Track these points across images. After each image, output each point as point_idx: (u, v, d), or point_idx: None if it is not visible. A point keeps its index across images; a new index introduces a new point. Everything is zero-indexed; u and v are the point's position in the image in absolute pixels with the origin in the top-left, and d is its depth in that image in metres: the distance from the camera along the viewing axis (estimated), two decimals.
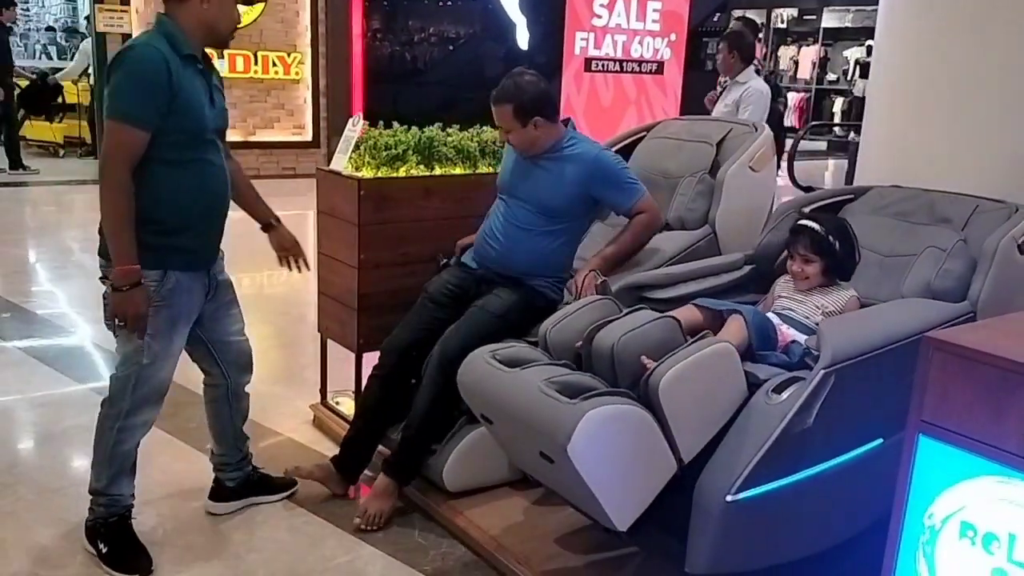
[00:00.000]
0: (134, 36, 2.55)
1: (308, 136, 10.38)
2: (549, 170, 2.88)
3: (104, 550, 2.52)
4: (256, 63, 9.77)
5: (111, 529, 2.54)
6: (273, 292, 5.79)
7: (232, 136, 9.41)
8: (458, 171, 3.42)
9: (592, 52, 11.98)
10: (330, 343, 3.54)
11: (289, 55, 10.00)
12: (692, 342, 2.14)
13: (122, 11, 8.90)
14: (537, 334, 2.48)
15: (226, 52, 9.47)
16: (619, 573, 2.52)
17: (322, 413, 3.56)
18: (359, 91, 10.60)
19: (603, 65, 12.04)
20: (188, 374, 4.07)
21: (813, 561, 2.26)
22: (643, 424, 2.00)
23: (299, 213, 8.77)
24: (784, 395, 2.09)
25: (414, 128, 3.44)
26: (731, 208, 3.07)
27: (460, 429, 2.85)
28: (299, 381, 4.06)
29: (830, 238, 2.51)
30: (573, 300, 2.68)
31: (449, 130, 3.50)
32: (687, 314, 2.42)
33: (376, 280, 3.21)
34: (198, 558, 2.61)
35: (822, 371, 2.06)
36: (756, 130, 3.27)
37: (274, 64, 9.94)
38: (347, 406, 3.53)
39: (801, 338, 2.41)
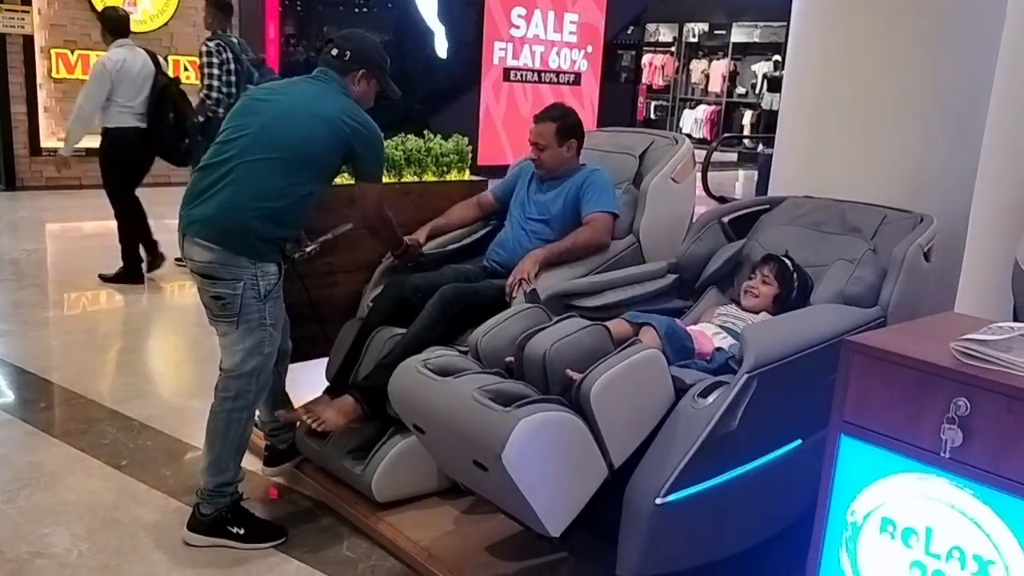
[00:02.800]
0: (301, 94, 2.75)
1: None
2: (558, 189, 3.16)
3: (242, 532, 2.71)
4: (167, 68, 9.49)
5: (237, 512, 2.73)
6: (184, 302, 5.61)
7: None
8: (383, 180, 3.40)
9: (511, 62, 12.14)
10: None
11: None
12: (621, 349, 2.17)
13: (23, 12, 8.52)
14: (468, 343, 2.49)
15: None
16: None
17: None
18: None
19: (521, 75, 12.21)
20: (100, 389, 3.95)
21: (739, 558, 2.32)
22: (575, 430, 2.03)
23: None
24: (710, 399, 2.15)
25: None
26: (654, 218, 3.14)
27: (389, 439, 2.83)
28: None
29: (795, 275, 2.67)
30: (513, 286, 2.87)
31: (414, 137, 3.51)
32: (616, 325, 2.47)
33: (299, 290, 3.16)
34: None
35: (745, 375, 2.12)
36: (677, 143, 3.36)
37: (186, 69, 9.67)
38: None
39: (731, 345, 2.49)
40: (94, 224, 7.58)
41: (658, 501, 2.06)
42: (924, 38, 2.95)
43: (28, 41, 8.60)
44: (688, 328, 2.56)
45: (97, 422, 3.58)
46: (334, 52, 2.76)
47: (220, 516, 2.68)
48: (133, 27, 9.59)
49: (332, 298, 3.26)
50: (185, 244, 2.61)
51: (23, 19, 8.57)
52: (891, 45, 2.98)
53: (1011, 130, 3.62)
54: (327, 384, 3.09)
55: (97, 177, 5.77)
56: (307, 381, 3.22)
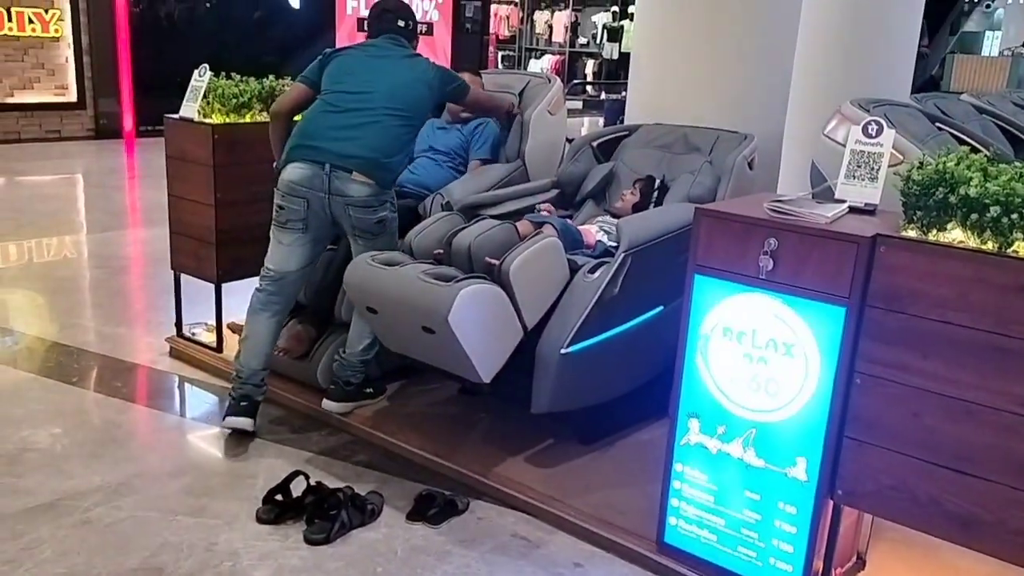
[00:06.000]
0: (396, 64, 3.19)
1: (72, 97, 9.91)
2: (454, 132, 3.83)
3: (372, 391, 3.32)
4: (10, 20, 9.18)
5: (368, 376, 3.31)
6: (89, 251, 5.82)
7: None
8: (297, 118, 3.83)
9: (364, 12, 12.29)
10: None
11: (47, 11, 9.48)
12: (529, 238, 2.80)
13: None
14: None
15: None
16: (473, 430, 3.16)
17: (180, 344, 3.86)
18: (125, 48, 10.27)
19: None
20: (30, 324, 4.18)
21: (622, 401, 3.03)
22: (499, 298, 2.64)
23: (67, 177, 8.50)
24: (596, 274, 2.82)
25: (251, 79, 3.82)
26: (537, 144, 3.77)
27: (327, 338, 3.34)
28: (143, 322, 4.30)
29: (656, 192, 3.36)
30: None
31: (282, 80, 3.91)
32: (522, 225, 3.08)
33: (231, 216, 3.58)
34: (104, 463, 2.91)
35: (623, 253, 2.80)
36: (549, 81, 4.00)
37: (31, 21, 9.38)
38: (206, 337, 3.86)
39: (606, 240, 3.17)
40: None
41: (563, 351, 2.71)
42: None
43: None
44: (577, 227, 3.22)
45: (37, 351, 3.87)
46: (400, 23, 3.30)
47: (361, 381, 3.22)
48: None
49: (258, 224, 3.63)
50: (337, 180, 2.99)
51: None
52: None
53: (812, 65, 4.49)
54: None
55: None
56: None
